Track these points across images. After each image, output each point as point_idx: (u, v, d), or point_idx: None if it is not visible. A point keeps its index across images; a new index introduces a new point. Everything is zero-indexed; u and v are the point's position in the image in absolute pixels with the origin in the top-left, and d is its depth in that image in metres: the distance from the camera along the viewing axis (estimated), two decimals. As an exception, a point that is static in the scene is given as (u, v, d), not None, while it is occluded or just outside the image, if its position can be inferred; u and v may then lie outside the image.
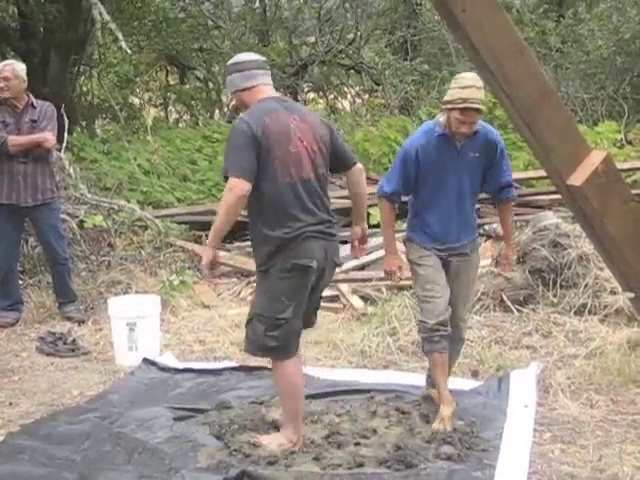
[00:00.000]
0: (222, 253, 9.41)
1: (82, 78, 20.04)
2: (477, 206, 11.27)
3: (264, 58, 5.34)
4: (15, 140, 7.66)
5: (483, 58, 2.46)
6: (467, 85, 5.26)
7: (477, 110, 5.26)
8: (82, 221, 9.66)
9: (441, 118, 5.52)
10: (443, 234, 5.58)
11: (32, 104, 7.87)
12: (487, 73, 2.53)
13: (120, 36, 12.56)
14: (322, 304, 8.29)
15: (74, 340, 7.43)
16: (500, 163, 5.54)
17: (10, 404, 6.01)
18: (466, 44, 2.54)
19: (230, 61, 5.26)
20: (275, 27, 22.30)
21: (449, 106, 5.32)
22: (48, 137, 7.73)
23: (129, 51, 14.06)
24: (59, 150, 10.02)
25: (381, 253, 9.89)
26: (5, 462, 4.90)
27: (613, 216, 2.67)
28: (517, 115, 2.58)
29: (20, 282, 8.48)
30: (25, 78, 7.84)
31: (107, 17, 12.46)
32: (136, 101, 23.01)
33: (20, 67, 7.90)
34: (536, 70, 2.59)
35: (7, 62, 8.14)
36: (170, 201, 12.33)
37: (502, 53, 2.46)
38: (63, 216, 8.83)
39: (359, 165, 5.28)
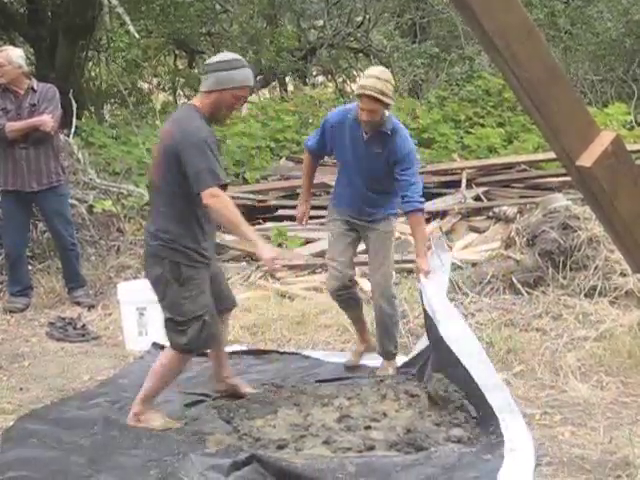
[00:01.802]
0: (230, 237, 9.42)
1: (90, 63, 20.01)
2: (484, 189, 11.40)
3: None
4: (12, 126, 7.65)
5: (491, 38, 2.44)
6: (370, 75, 5.79)
7: (376, 100, 5.67)
8: (91, 206, 9.66)
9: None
10: (347, 206, 6.15)
11: (33, 88, 7.85)
12: (495, 53, 2.51)
13: (128, 20, 12.56)
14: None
15: (84, 325, 7.45)
16: (400, 174, 5.85)
17: (20, 389, 6.02)
18: (473, 24, 2.51)
19: (230, 57, 5.27)
20: (283, 10, 22.23)
21: (356, 94, 5.84)
22: (45, 120, 7.68)
23: (137, 36, 14.06)
24: (67, 135, 10.01)
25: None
26: (15, 447, 4.92)
27: (623, 197, 2.65)
28: (526, 96, 2.55)
29: (29, 267, 8.49)
30: (21, 64, 7.80)
31: (115, 2, 12.47)
32: (144, 86, 22.98)
33: (16, 53, 7.88)
34: (545, 51, 2.57)
35: (2, 48, 8.14)
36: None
37: (510, 33, 2.44)
38: (72, 201, 8.84)
39: (207, 192, 4.91)
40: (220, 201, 4.88)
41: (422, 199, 5.92)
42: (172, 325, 5.18)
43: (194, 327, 5.12)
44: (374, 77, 5.74)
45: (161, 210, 5.12)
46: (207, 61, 5.29)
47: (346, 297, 6.31)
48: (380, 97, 5.69)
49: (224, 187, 4.98)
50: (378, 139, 5.89)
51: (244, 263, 9.43)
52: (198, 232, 5.13)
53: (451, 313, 5.69)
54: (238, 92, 5.13)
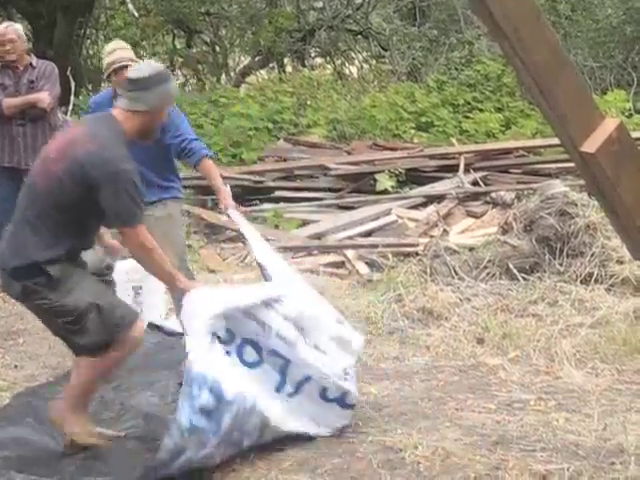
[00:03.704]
0: (225, 217, 9.41)
1: (88, 41, 19.96)
2: (482, 174, 11.40)
3: None
4: (9, 102, 7.62)
5: (497, 22, 2.42)
6: (112, 50, 5.91)
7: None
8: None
9: None
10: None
11: (31, 64, 7.82)
12: (501, 38, 2.49)
13: (127, -1, 12.51)
14: (328, 269, 8.38)
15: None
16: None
17: (15, 367, 6.03)
18: (479, 8, 2.50)
19: (160, 68, 4.88)
20: (283, -9, 22.18)
21: (107, 74, 5.90)
22: (42, 97, 7.66)
23: (136, 14, 14.02)
24: (65, 113, 9.97)
25: (388, 220, 9.94)
26: (10, 425, 4.92)
27: (627, 184, 2.65)
28: (531, 81, 2.54)
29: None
30: (25, 39, 7.81)
31: (114, -21, 12.40)
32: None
33: (20, 27, 7.89)
34: (551, 36, 2.56)
35: (7, 24, 8.09)
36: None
37: (517, 17, 2.42)
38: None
39: (130, 232, 4.61)
40: (146, 246, 4.56)
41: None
42: (67, 329, 4.60)
43: (91, 318, 4.55)
44: (117, 50, 5.93)
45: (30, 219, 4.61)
46: (134, 75, 4.67)
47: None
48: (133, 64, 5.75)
49: None
50: None
51: (240, 244, 9.42)
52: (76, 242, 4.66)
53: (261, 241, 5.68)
54: (169, 107, 4.87)
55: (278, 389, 4.78)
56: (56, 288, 4.48)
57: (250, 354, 4.71)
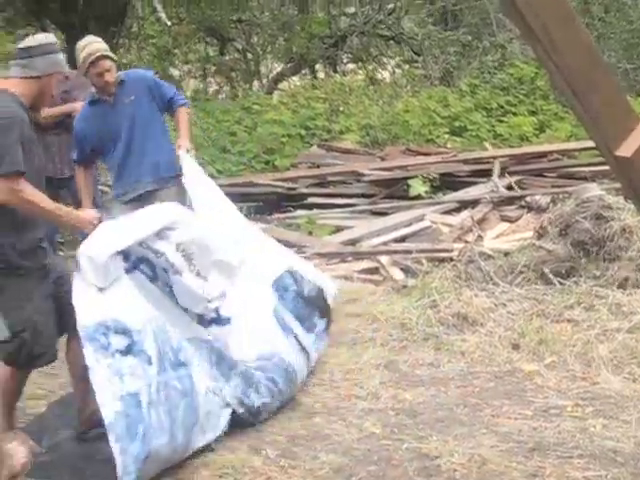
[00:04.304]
0: (261, 225, 9.42)
1: (121, 50, 20.05)
2: (517, 178, 11.33)
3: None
4: (45, 112, 7.66)
5: (530, 24, 2.39)
6: (86, 43, 6.15)
7: (110, 58, 6.18)
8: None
9: None
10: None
11: (65, 75, 7.86)
12: (534, 40, 2.46)
13: (159, 8, 12.57)
14: (362, 276, 8.36)
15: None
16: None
17: (51, 374, 6.03)
18: (511, 10, 2.47)
19: (51, 39, 4.96)
20: (314, -3, 22.22)
21: (85, 68, 6.13)
22: (76, 107, 7.70)
23: (168, 23, 14.07)
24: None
25: (422, 225, 9.90)
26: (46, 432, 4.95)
27: (663, 188, 2.61)
28: (565, 84, 2.51)
29: (61, 254, 8.51)
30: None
31: (146, -12, 12.47)
32: (175, 73, 22.99)
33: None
34: (586, 38, 2.52)
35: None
36: (210, 173, 12.33)
37: (550, 19, 2.39)
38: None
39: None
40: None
41: None
42: None
43: (13, 344, 4.61)
44: (91, 43, 6.16)
45: None
46: (25, 43, 4.77)
47: None
48: (111, 54, 6.24)
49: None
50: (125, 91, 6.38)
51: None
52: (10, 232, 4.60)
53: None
54: (59, 76, 4.96)
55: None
56: None
57: (145, 270, 4.85)
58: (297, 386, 5.56)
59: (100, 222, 4.83)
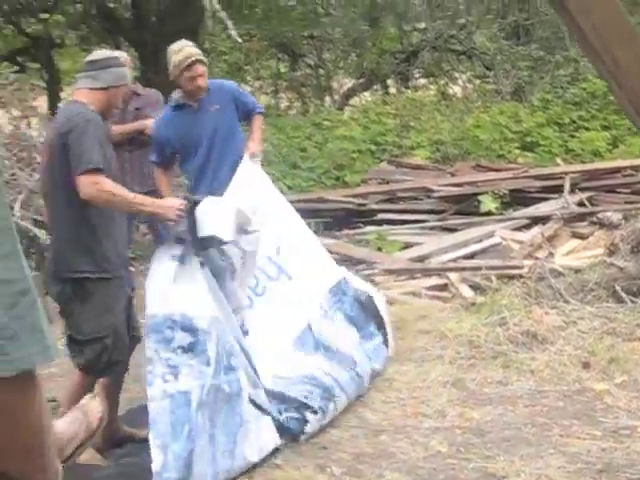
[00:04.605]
0: (330, 241, 9.43)
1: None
2: (588, 194, 11.21)
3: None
4: (117, 129, 7.79)
5: (591, 41, 2.38)
6: (180, 48, 6.25)
7: (203, 62, 6.26)
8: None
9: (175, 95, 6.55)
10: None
11: (136, 92, 8.00)
12: (595, 57, 2.45)
13: (230, 25, 12.68)
14: (431, 292, 8.34)
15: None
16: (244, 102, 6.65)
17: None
18: (572, 26, 2.46)
19: (116, 53, 5.30)
20: (385, 13, 22.20)
21: (179, 71, 6.22)
22: (148, 124, 7.82)
23: (239, 40, 14.19)
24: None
25: (492, 242, 9.84)
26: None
27: None
28: (627, 101, 2.49)
29: (132, 269, 8.61)
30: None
31: (217, 6, 12.60)
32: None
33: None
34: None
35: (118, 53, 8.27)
36: (280, 188, 12.39)
37: (610, 37, 2.38)
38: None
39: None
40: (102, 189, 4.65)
41: None
42: (70, 343, 4.83)
43: (93, 348, 4.75)
44: (184, 48, 6.26)
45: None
46: (91, 58, 5.03)
47: None
48: (204, 59, 6.33)
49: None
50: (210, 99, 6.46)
51: (343, 267, 9.40)
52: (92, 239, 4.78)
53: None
54: (124, 89, 5.18)
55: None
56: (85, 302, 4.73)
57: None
58: (342, 398, 5.51)
59: (183, 209, 4.91)
